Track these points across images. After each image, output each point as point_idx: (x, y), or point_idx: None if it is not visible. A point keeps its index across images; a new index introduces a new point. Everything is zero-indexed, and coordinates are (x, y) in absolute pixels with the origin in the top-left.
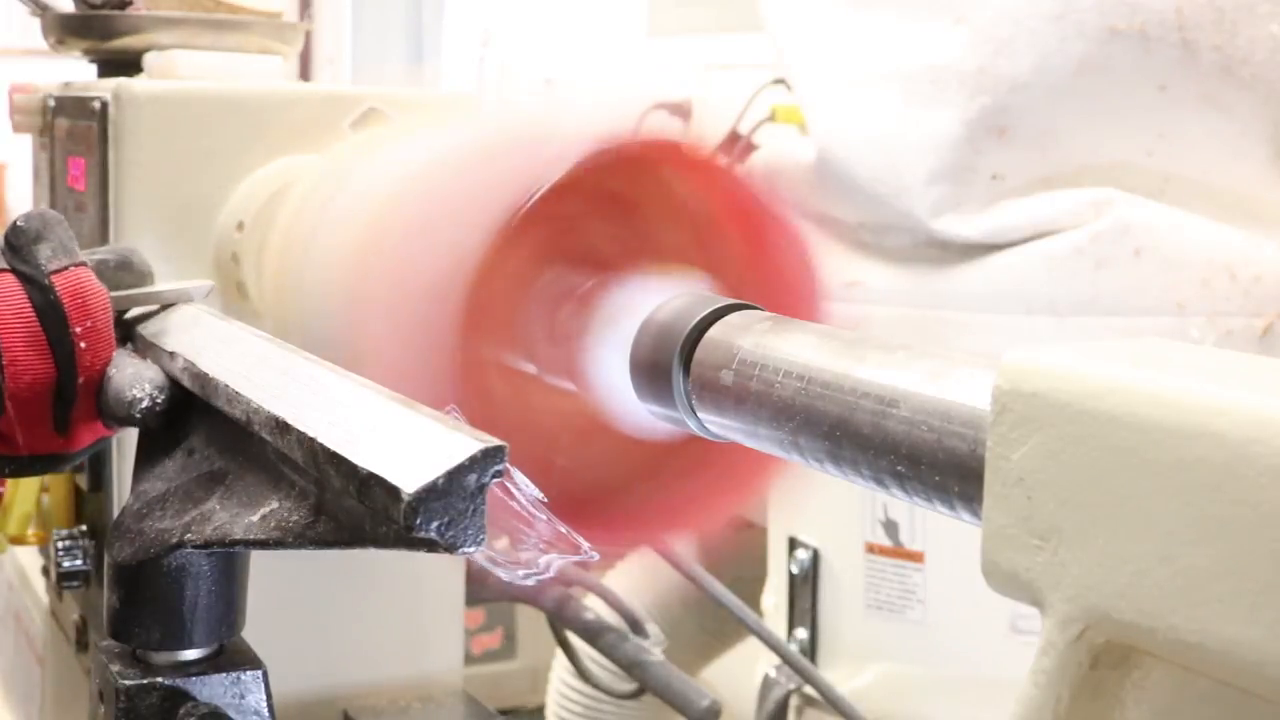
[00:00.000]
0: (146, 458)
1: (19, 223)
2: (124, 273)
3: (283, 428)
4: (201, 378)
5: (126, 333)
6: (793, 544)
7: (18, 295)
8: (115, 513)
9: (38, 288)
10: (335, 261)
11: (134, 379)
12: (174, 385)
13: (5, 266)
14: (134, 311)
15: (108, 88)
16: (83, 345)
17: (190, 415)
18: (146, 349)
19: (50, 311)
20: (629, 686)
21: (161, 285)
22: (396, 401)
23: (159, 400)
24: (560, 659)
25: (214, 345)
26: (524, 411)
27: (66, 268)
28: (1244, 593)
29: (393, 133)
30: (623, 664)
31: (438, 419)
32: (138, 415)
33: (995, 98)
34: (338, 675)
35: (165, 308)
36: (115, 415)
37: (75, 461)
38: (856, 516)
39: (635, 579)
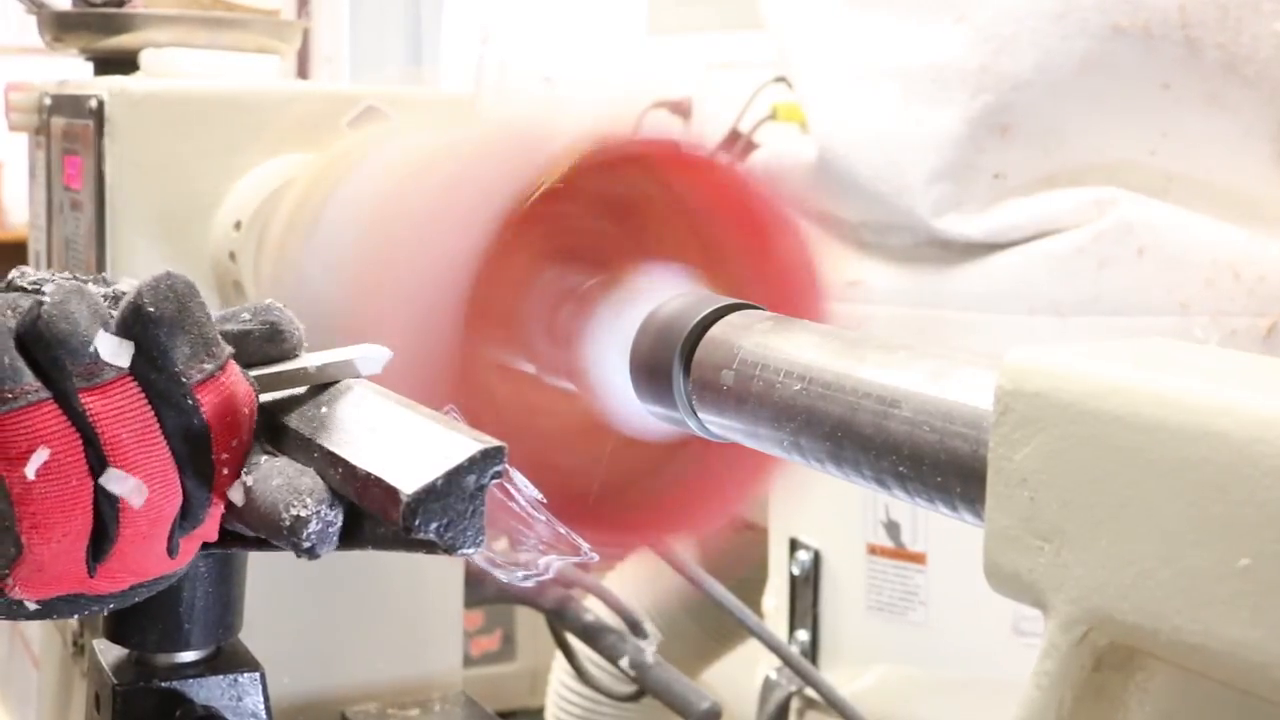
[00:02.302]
0: None
1: (146, 306)
2: (270, 346)
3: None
4: None
5: (266, 421)
6: (794, 545)
7: (142, 416)
8: None
9: (175, 408)
10: (333, 261)
11: (287, 490)
12: (336, 496)
13: (124, 370)
14: (273, 395)
15: (104, 86)
16: (225, 472)
17: None
18: (295, 448)
19: (190, 437)
20: (629, 688)
21: (315, 356)
22: (396, 401)
23: (331, 520)
24: (560, 661)
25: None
26: (524, 411)
27: (213, 374)
28: (1247, 594)
29: (391, 131)
30: (622, 666)
31: (437, 419)
32: (306, 544)
33: (997, 96)
34: (336, 677)
35: (319, 387)
36: (268, 537)
37: (174, 580)
38: (858, 517)
39: (635, 580)
